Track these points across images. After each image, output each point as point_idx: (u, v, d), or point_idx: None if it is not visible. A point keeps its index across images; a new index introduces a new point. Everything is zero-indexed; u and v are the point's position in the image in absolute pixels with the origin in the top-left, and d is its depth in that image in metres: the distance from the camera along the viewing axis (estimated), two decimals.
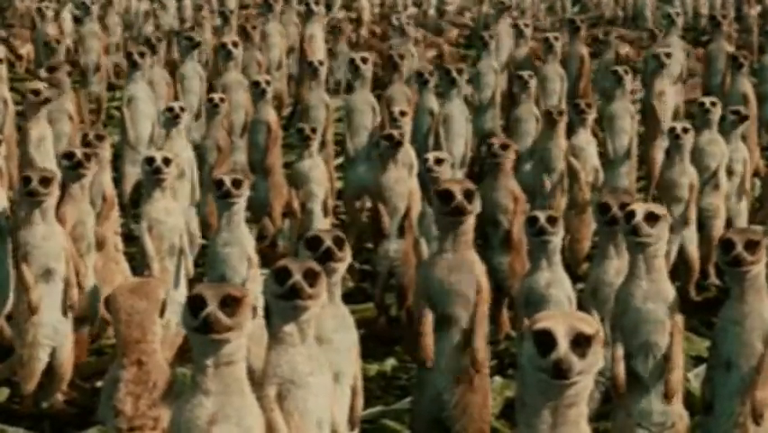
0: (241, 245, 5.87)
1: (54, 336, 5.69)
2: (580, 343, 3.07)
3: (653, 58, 10.04)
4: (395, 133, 7.10)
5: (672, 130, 7.25)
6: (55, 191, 5.72)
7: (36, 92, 8.20)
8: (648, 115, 9.84)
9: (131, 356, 4.22)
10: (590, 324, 3.13)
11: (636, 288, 4.76)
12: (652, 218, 4.78)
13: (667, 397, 4.74)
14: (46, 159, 8.07)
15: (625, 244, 5.07)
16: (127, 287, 4.34)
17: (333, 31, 14.18)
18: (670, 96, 9.84)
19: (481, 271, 4.98)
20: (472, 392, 4.97)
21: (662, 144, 9.10)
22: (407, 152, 7.72)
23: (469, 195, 4.99)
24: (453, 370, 4.94)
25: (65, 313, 5.71)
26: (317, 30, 12.40)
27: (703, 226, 7.39)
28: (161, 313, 4.28)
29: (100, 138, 7.29)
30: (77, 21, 16.48)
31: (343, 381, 4.37)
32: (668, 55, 9.85)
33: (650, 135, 9.71)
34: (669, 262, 6.98)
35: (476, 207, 5.04)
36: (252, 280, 5.76)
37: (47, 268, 5.67)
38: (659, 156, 8.95)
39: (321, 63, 9.60)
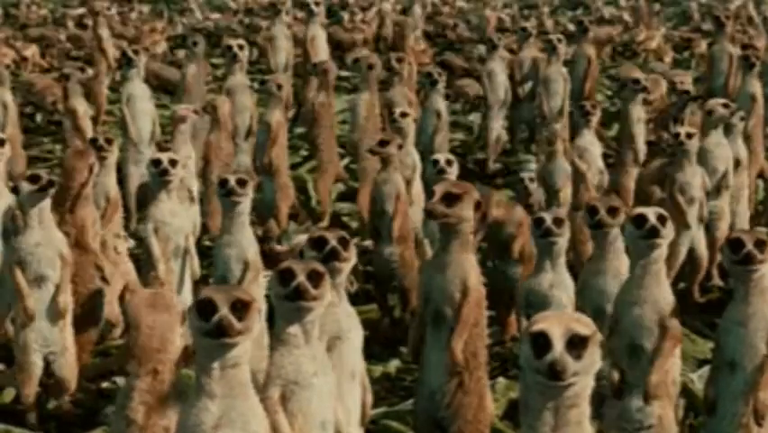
0: (239, 248, 5.86)
1: (46, 343, 5.65)
2: (576, 344, 3.08)
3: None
4: (386, 136, 7.08)
5: (677, 135, 7.23)
6: (49, 195, 5.64)
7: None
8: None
9: (146, 366, 4.19)
10: (587, 325, 3.13)
11: (630, 292, 4.78)
12: (662, 219, 4.80)
13: (645, 397, 4.76)
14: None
15: (618, 246, 5.10)
16: (145, 301, 4.27)
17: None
18: None
19: (471, 274, 4.95)
20: (465, 394, 4.98)
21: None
22: (411, 154, 7.74)
23: (449, 198, 4.95)
24: (444, 369, 4.97)
25: (53, 321, 5.65)
26: (319, 30, 12.42)
27: (707, 228, 7.39)
28: (182, 322, 4.26)
29: (109, 141, 7.31)
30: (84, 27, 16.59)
31: (358, 378, 4.43)
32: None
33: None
34: (678, 263, 7.00)
35: (458, 210, 4.92)
36: (251, 284, 5.75)
37: (40, 274, 5.62)
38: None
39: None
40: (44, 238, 5.63)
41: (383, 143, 6.90)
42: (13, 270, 5.60)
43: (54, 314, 5.65)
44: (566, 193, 7.91)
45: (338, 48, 16.22)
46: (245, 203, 5.91)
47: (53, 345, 5.67)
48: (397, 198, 6.85)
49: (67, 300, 5.67)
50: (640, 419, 4.81)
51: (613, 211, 5.23)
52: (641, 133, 8.88)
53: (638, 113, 8.93)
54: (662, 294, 4.78)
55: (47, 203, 5.64)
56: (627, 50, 17.64)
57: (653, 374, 4.74)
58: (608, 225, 5.22)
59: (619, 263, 5.18)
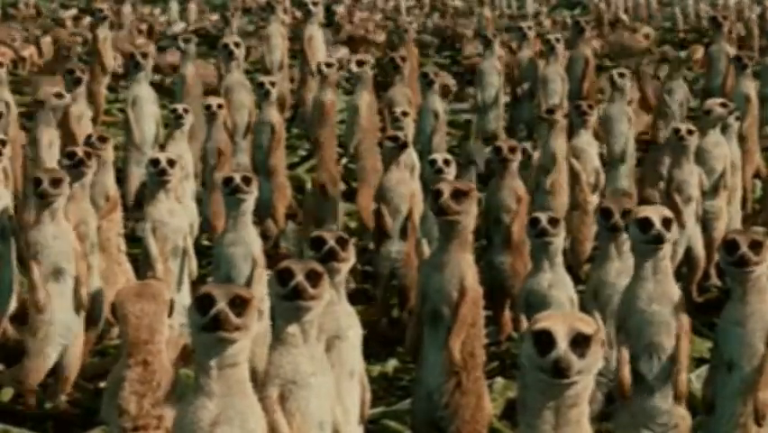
0: (246, 245, 5.87)
1: (66, 335, 5.75)
2: (580, 343, 3.10)
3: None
4: (400, 134, 7.12)
5: (677, 131, 7.25)
6: (65, 191, 5.79)
7: (59, 95, 8.25)
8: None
9: (137, 356, 4.23)
10: (590, 324, 3.15)
11: (642, 290, 4.77)
12: (667, 223, 4.80)
13: (677, 398, 4.75)
14: (54, 162, 8.12)
15: (629, 245, 5.08)
16: (133, 291, 4.35)
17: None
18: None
19: (468, 273, 4.97)
20: (463, 394, 4.98)
21: None
22: (410, 154, 7.75)
23: (457, 195, 4.99)
24: (442, 368, 4.97)
25: (77, 310, 5.77)
26: (316, 31, 12.44)
27: (705, 228, 7.40)
28: (170, 313, 4.30)
29: (103, 140, 7.31)
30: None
31: (356, 377, 4.44)
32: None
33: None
34: (675, 263, 7.01)
35: (466, 207, 5.00)
36: (258, 282, 5.77)
37: (57, 267, 5.72)
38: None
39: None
40: (58, 232, 5.72)
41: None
42: (30, 263, 5.69)
43: (76, 306, 5.77)
44: (555, 178, 7.86)
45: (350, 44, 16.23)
46: (250, 201, 5.93)
47: (70, 336, 5.76)
48: (412, 196, 6.91)
49: (86, 293, 5.80)
50: (666, 421, 4.79)
51: (626, 213, 5.24)
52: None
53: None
54: (674, 289, 4.79)
55: (61, 200, 5.76)
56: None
57: (682, 373, 4.73)
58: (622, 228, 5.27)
59: (632, 264, 5.19)
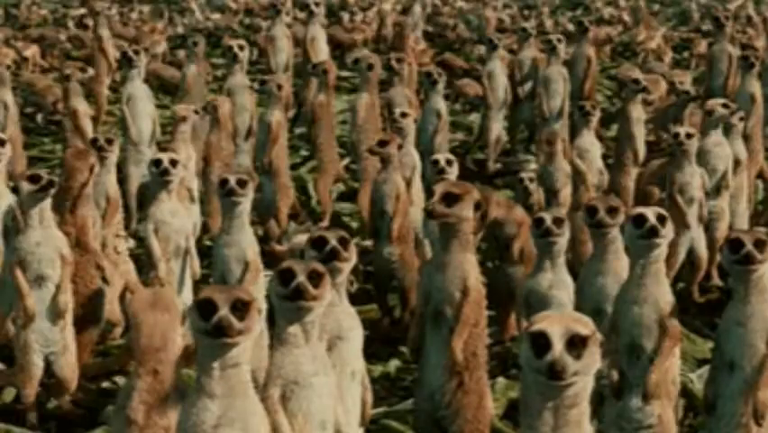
0: (239, 248, 5.85)
1: (47, 343, 5.65)
2: (576, 344, 3.08)
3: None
4: (385, 137, 7.13)
5: (677, 136, 7.25)
6: (50, 195, 5.64)
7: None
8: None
9: (146, 365, 4.19)
10: (587, 325, 3.14)
11: (631, 291, 4.78)
12: (661, 219, 4.81)
13: (645, 397, 4.77)
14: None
15: (624, 245, 5.09)
16: (146, 301, 4.27)
17: None
18: None
19: (470, 274, 4.96)
20: (465, 393, 4.99)
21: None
22: (411, 154, 7.76)
23: (448, 198, 4.96)
24: (444, 368, 4.98)
25: (53, 320, 5.65)
26: (319, 32, 12.45)
27: (707, 228, 7.40)
28: (182, 322, 4.26)
29: (110, 142, 7.32)
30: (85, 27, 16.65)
31: (358, 378, 4.43)
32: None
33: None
34: (677, 263, 7.02)
35: (458, 210, 4.95)
36: (250, 283, 5.74)
37: (40, 274, 5.61)
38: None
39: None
40: (44, 238, 5.63)
41: (383, 143, 6.94)
42: (14, 270, 5.60)
43: (55, 314, 5.64)
44: (566, 193, 7.93)
45: (338, 48, 16.25)
46: (245, 203, 5.90)
47: (54, 345, 5.66)
48: (397, 198, 6.88)
49: (67, 300, 5.66)
50: (639, 418, 4.82)
51: (612, 211, 5.23)
52: (641, 134, 8.95)
53: (638, 113, 8.99)
54: (662, 293, 4.78)
55: (47, 203, 5.65)
56: (627, 51, 17.65)
57: (653, 373, 4.75)
58: (608, 225, 5.23)
59: (618, 263, 5.18)
